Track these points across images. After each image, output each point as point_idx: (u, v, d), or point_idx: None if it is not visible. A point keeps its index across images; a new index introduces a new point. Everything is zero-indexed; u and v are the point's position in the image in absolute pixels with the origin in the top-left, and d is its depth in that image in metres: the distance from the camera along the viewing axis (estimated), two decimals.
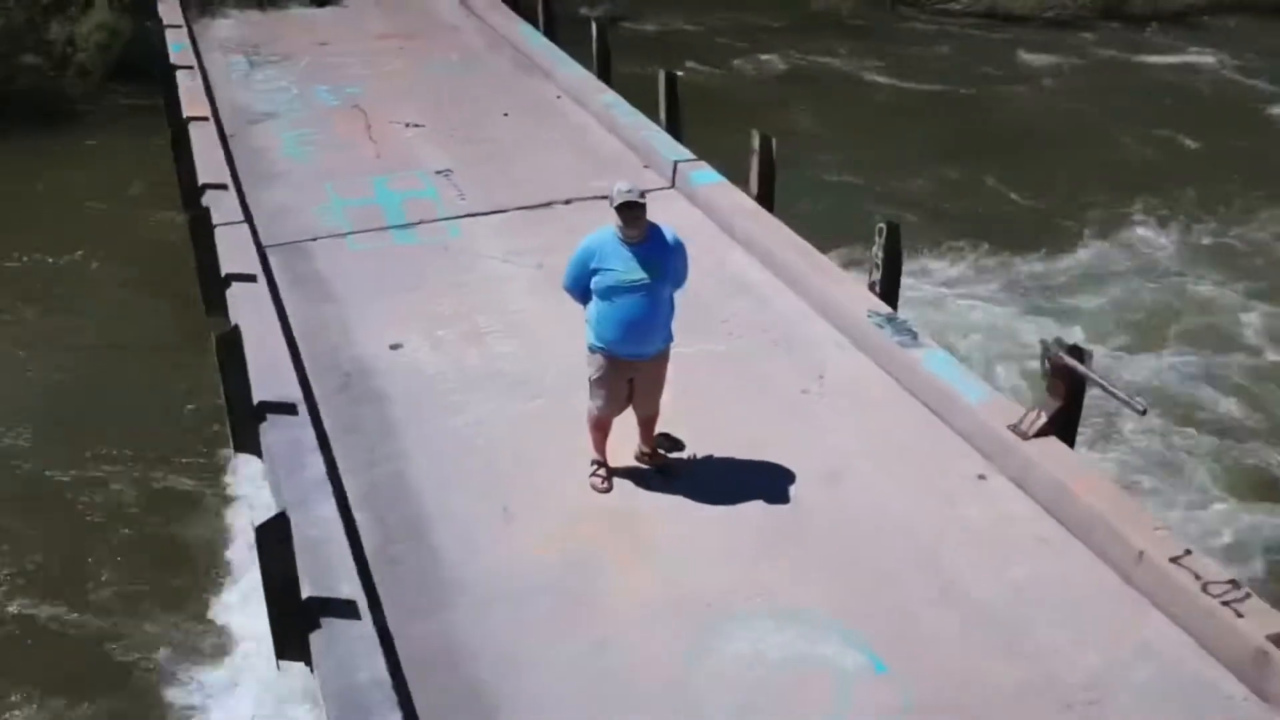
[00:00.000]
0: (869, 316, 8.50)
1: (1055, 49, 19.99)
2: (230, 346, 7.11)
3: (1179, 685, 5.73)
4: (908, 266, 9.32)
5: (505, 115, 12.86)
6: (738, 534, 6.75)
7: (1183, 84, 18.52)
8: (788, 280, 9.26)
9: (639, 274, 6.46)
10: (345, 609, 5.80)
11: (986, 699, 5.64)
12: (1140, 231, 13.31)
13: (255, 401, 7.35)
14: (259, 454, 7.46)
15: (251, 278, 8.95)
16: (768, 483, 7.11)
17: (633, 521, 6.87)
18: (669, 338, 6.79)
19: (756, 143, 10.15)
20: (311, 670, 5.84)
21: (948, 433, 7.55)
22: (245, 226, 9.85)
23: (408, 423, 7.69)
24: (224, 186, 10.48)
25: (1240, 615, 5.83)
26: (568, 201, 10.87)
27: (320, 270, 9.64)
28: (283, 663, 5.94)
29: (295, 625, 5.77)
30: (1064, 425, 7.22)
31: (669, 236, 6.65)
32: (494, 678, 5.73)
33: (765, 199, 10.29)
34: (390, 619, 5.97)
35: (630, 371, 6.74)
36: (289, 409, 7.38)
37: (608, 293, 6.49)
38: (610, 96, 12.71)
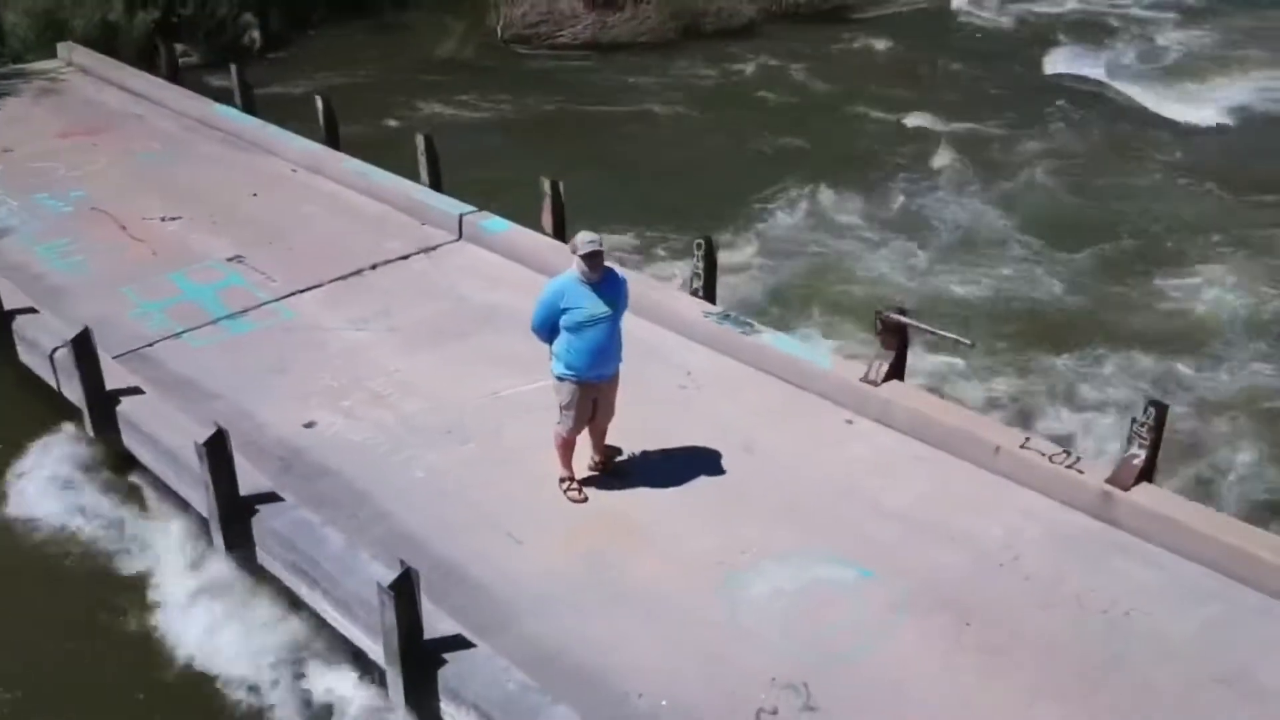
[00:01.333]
0: (706, 316, 10.17)
1: (655, 69, 22.56)
2: (218, 448, 7.51)
3: (1059, 530, 7.91)
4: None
5: (254, 195, 13.17)
6: (701, 506, 8.19)
7: (758, 85, 21.79)
8: (635, 308, 10.61)
9: (602, 309, 7.70)
10: (457, 641, 6.65)
11: (949, 577, 7.51)
12: (777, 209, 15.74)
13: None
14: (249, 548, 7.87)
15: (138, 390, 9.07)
16: (699, 462, 8.59)
17: (617, 518, 8.10)
18: (620, 359, 8.07)
19: (548, 187, 11.49)
20: (439, 706, 6.63)
21: (811, 396, 9.38)
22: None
23: (371, 485, 8.38)
24: (32, 309, 10.26)
25: (1081, 472, 8.12)
26: (373, 266, 11.60)
27: (180, 372, 9.80)
28: (410, 704, 6.66)
29: (421, 666, 6.55)
30: (897, 369, 9.29)
31: (619, 274, 7.93)
32: (594, 655, 6.82)
33: (559, 235, 11.63)
34: (489, 638, 6.85)
35: (594, 392, 7.96)
36: (273, 497, 7.88)
37: (577, 328, 7.67)
38: (355, 163, 13.40)
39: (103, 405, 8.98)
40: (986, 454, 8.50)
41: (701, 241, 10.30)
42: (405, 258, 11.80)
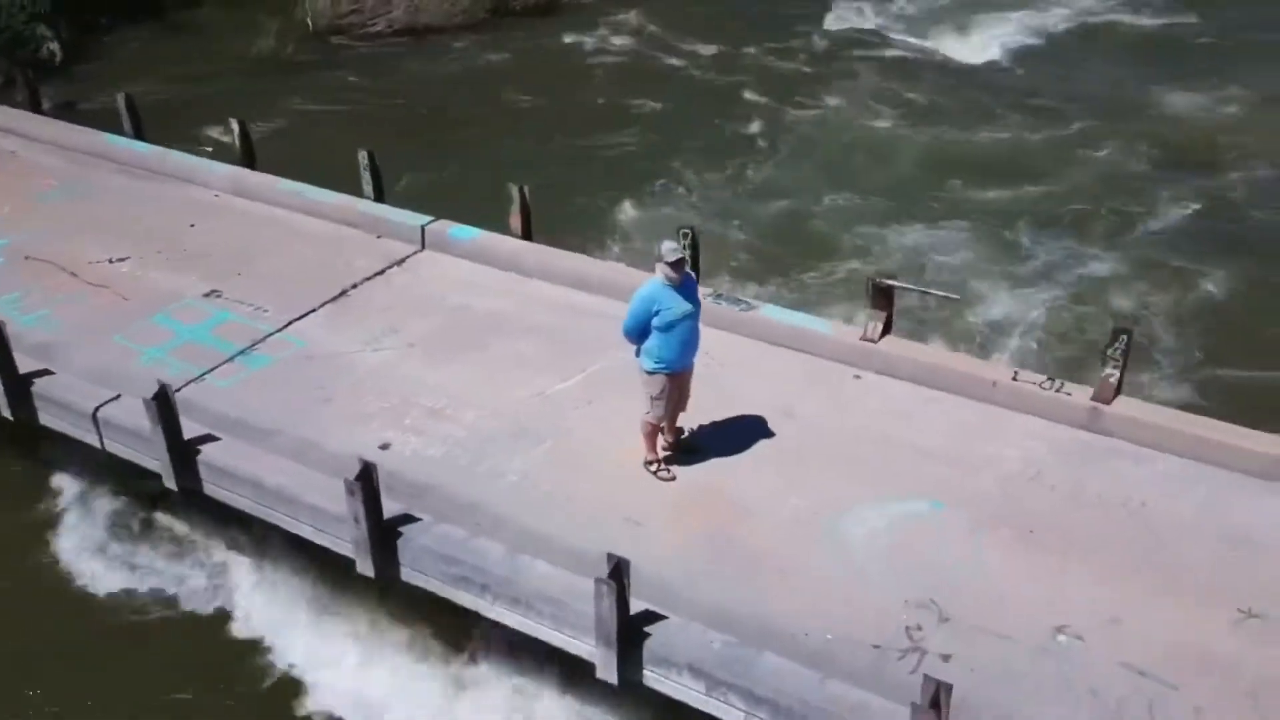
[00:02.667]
0: (704, 299, 11.24)
1: (472, 51, 23.12)
2: (367, 481, 8.08)
3: (1062, 445, 9.58)
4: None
5: (192, 226, 13.15)
6: (771, 469, 9.38)
7: (574, 58, 22.81)
8: (619, 294, 11.53)
9: (687, 307, 8.70)
10: (648, 617, 7.63)
11: (996, 496, 9.02)
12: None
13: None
14: (396, 570, 8.48)
15: (214, 437, 9.35)
16: (752, 430, 9.75)
17: (708, 491, 9.18)
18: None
19: (515, 192, 12.20)
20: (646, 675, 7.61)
21: (819, 359, 10.69)
22: (128, 399, 9.87)
23: (473, 495, 9.06)
24: (47, 372, 10.20)
25: (1069, 394, 9.84)
26: (355, 285, 12.00)
27: (223, 413, 10.02)
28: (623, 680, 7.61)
29: (628, 644, 7.49)
30: (888, 326, 10.74)
31: (692, 275, 8.92)
32: (752, 612, 7.90)
33: (528, 236, 12.39)
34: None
35: (679, 381, 8.99)
36: (408, 518, 8.51)
37: (668, 326, 8.64)
38: (292, 184, 13.55)
39: (184, 457, 9.19)
40: (985, 389, 10.09)
41: (688, 230, 11.34)
42: (381, 273, 12.24)
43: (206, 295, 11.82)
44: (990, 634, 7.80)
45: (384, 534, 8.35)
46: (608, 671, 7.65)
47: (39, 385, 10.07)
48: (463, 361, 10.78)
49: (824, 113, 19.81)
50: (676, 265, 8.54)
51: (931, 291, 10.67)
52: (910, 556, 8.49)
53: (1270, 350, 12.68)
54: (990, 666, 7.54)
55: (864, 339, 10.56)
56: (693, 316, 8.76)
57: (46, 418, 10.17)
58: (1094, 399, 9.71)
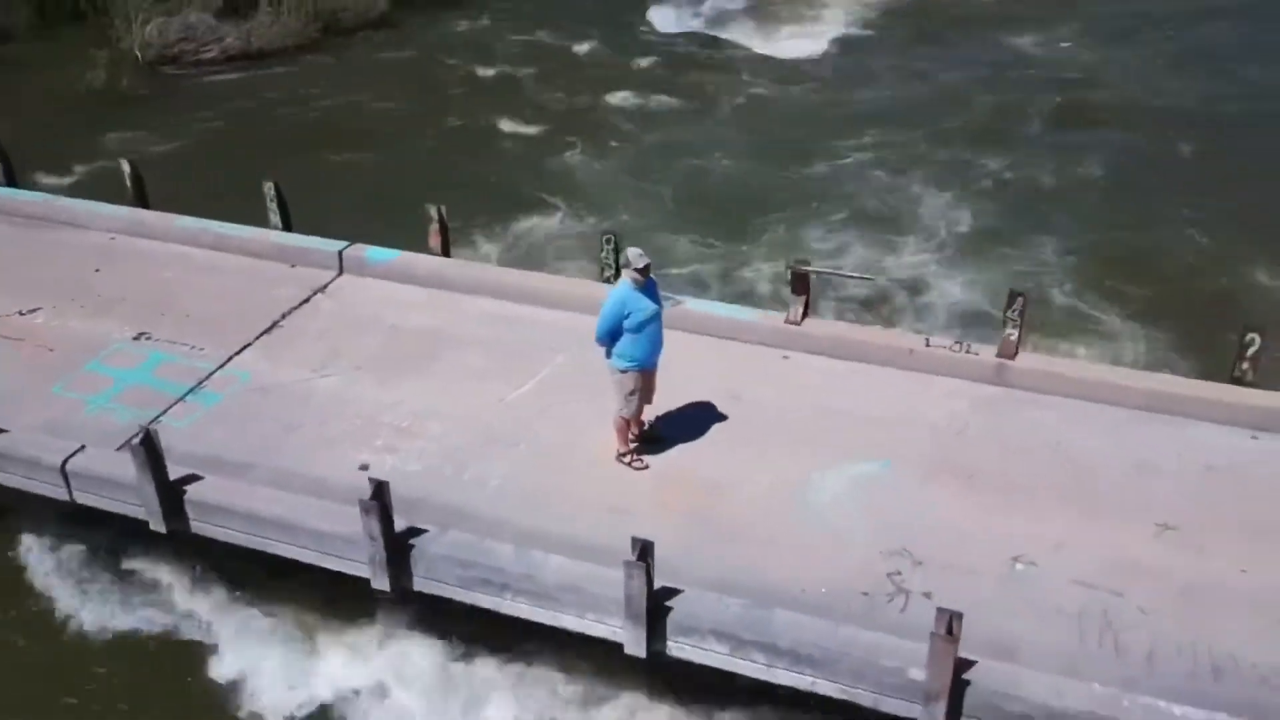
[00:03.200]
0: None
1: (309, 72, 23.17)
2: (382, 500, 8.49)
3: (979, 400, 10.75)
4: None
5: (98, 271, 13.00)
6: (734, 450, 10.19)
7: (409, 71, 23.21)
8: (549, 302, 12.15)
9: (653, 307, 9.42)
10: (667, 593, 8.33)
11: (934, 451, 10.10)
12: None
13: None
14: (409, 580, 8.90)
15: (197, 477, 9.51)
16: (706, 416, 10.55)
17: (681, 474, 9.92)
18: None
19: (434, 212, 12.60)
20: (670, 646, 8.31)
21: (748, 344, 11.56)
22: (94, 449, 9.88)
23: (464, 502, 9.53)
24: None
25: (977, 354, 11.03)
26: (285, 316, 12.18)
27: (190, 452, 10.04)
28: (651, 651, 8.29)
29: (654, 617, 8.19)
30: (808, 309, 11.72)
31: (653, 279, 9.62)
32: (752, 579, 8.67)
33: (447, 253, 12.82)
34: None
35: (648, 377, 9.70)
36: (418, 531, 8.94)
37: (638, 327, 9.34)
38: (195, 221, 13.51)
39: (172, 499, 9.31)
40: (904, 357, 11.18)
41: (610, 236, 12.04)
42: (307, 300, 12.45)
43: (136, 339, 11.79)
44: (959, 570, 8.84)
45: (397, 548, 8.74)
46: (636, 647, 8.30)
47: (2, 444, 9.90)
48: (414, 378, 11.17)
49: (683, 109, 20.78)
50: (645, 270, 9.24)
51: (847, 274, 11.69)
52: (875, 512, 9.45)
53: (1142, 299, 14.28)
54: (967, 598, 8.52)
55: (788, 322, 11.49)
56: (658, 316, 9.48)
57: (7, 477, 10.02)
58: (999, 356, 10.92)
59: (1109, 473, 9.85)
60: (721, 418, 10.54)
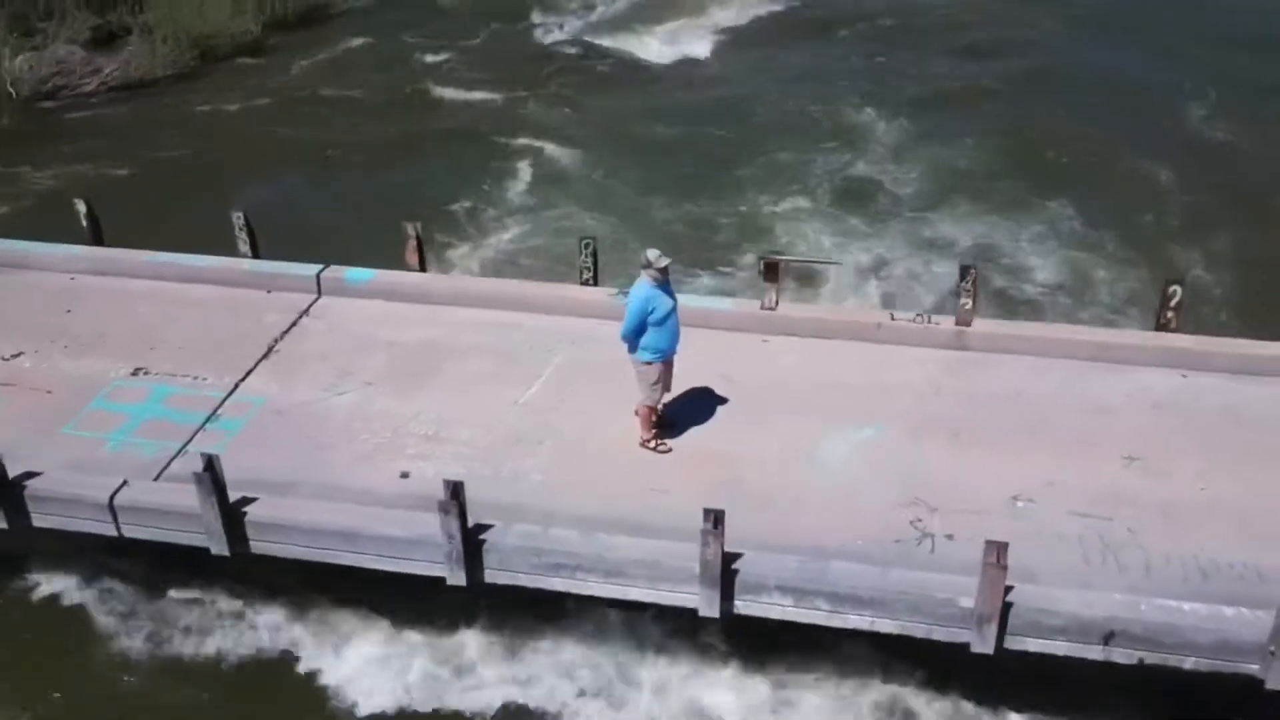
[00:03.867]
0: (611, 298, 12.75)
1: (194, 95, 23.01)
2: (458, 498, 9.09)
3: (946, 365, 11.94)
4: None
5: (69, 311, 12.99)
6: (739, 424, 11.10)
7: (293, 86, 23.38)
8: (532, 307, 12.80)
9: (672, 302, 10.26)
10: (730, 557, 9.20)
11: (918, 412, 11.21)
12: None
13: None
14: (481, 575, 9.51)
15: (252, 498, 9.86)
16: (708, 398, 11.41)
17: (701, 452, 10.77)
18: None
19: (411, 230, 13.09)
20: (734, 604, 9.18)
21: (728, 332, 12.48)
22: (137, 482, 10.10)
23: (513, 500, 10.15)
24: (30, 474, 10.17)
25: (937, 324, 12.25)
26: (279, 340, 12.48)
27: (229, 477, 10.33)
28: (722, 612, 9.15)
29: (725, 580, 9.05)
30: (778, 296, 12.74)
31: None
32: (788, 538, 9.60)
33: (424, 269, 13.33)
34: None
35: (668, 366, 10.53)
36: (485, 527, 9.56)
37: (661, 320, 10.16)
38: (162, 255, 13.56)
39: (233, 523, 9.65)
40: (872, 331, 12.31)
41: (589, 241, 12.79)
42: (295, 324, 12.77)
43: (134, 374, 11.92)
44: (970, 512, 9.98)
45: (471, 545, 9.33)
46: (711, 609, 9.14)
47: (34, 487, 10.01)
48: (427, 388, 11.68)
49: (577, 115, 21.53)
50: (665, 270, 10.07)
51: (814, 260, 12.75)
52: (882, 470, 10.52)
53: (1077, 265, 15.86)
54: (982, 534, 9.61)
55: (764, 308, 12.47)
56: (675, 309, 10.31)
57: (46, 519, 10.12)
58: (957, 324, 12.15)
59: (1071, 417, 11.17)
60: (721, 399, 11.43)
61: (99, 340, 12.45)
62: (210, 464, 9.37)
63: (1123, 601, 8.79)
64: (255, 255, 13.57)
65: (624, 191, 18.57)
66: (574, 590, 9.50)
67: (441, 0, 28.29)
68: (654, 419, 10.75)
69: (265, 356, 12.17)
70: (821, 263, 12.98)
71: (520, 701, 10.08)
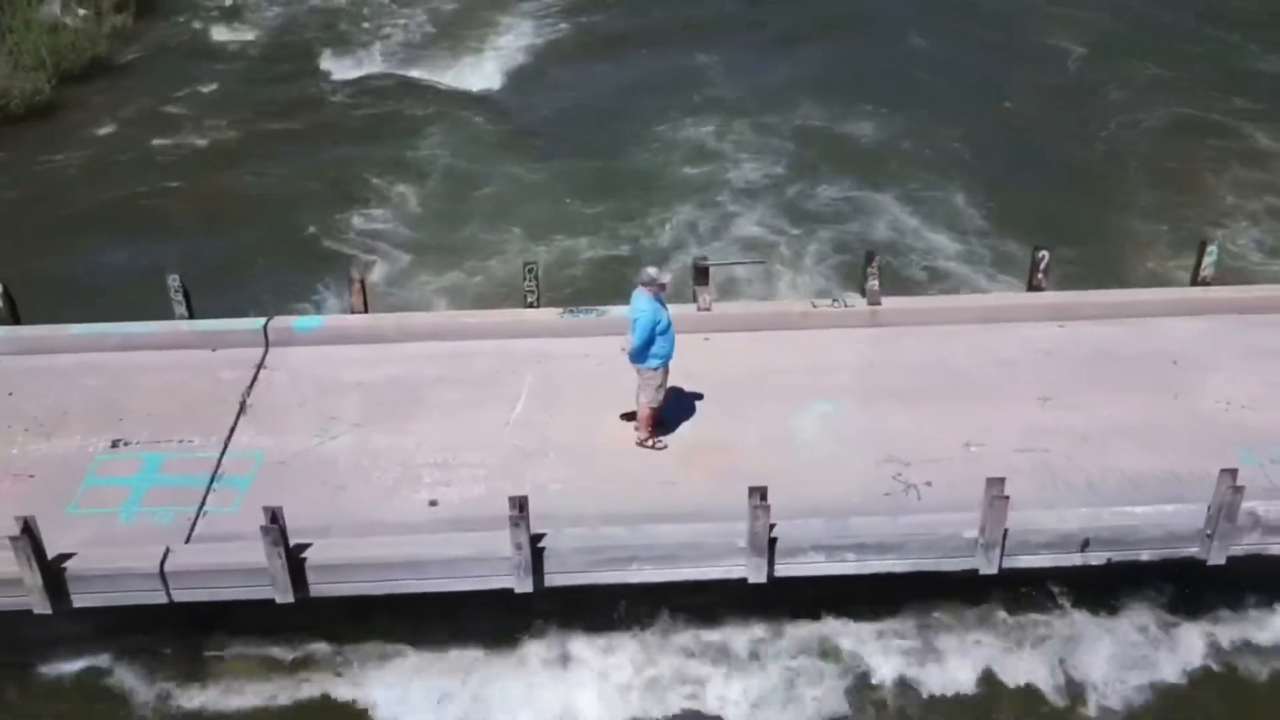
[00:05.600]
0: (561, 317, 13.71)
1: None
2: (524, 518, 9.91)
3: (868, 340, 13.54)
4: None
5: (10, 394, 12.72)
6: (713, 415, 12.35)
7: (98, 145, 22.59)
8: (485, 334, 13.54)
9: (668, 313, 11.41)
10: (772, 528, 10.46)
11: (862, 386, 12.78)
12: None
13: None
14: (543, 579, 10.33)
15: (307, 544, 10.30)
16: (677, 396, 12.57)
17: (693, 445, 11.94)
18: None
19: (356, 273, 13.58)
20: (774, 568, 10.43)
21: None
22: (181, 549, 10.32)
23: (543, 510, 10.86)
24: (65, 556, 10.19)
25: (852, 306, 13.89)
26: (246, 396, 12.70)
27: (253, 530, 10.58)
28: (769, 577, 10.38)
29: (769, 549, 10.29)
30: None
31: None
32: (796, 504, 10.94)
33: (367, 310, 13.82)
34: None
35: (668, 369, 11.65)
36: (540, 535, 10.39)
37: (665, 330, 11.29)
38: (93, 326, 13.36)
39: (295, 569, 10.07)
40: (799, 319, 13.81)
41: (533, 265, 13.67)
42: (255, 378, 13.00)
43: (114, 447, 11.91)
44: (936, 461, 11.63)
45: (537, 555, 10.15)
46: (759, 575, 10.34)
47: (75, 567, 10.04)
48: (417, 421, 12.28)
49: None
50: (664, 285, 11.22)
51: (740, 261, 14.11)
52: (851, 438, 12.03)
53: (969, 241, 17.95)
54: (953, 478, 11.35)
55: (701, 310, 13.74)
56: (672, 320, 11.45)
57: (89, 597, 10.15)
58: (869, 304, 13.83)
59: (984, 372, 13.04)
60: (693, 395, 12.61)
61: (61, 419, 12.29)
62: (275, 515, 9.75)
63: (1088, 514, 10.63)
64: (191, 314, 13.62)
65: (481, 221, 19.30)
66: (630, 580, 10.46)
67: (223, 45, 27.65)
68: (654, 419, 11.82)
69: (241, 412, 12.39)
70: (746, 263, 14.35)
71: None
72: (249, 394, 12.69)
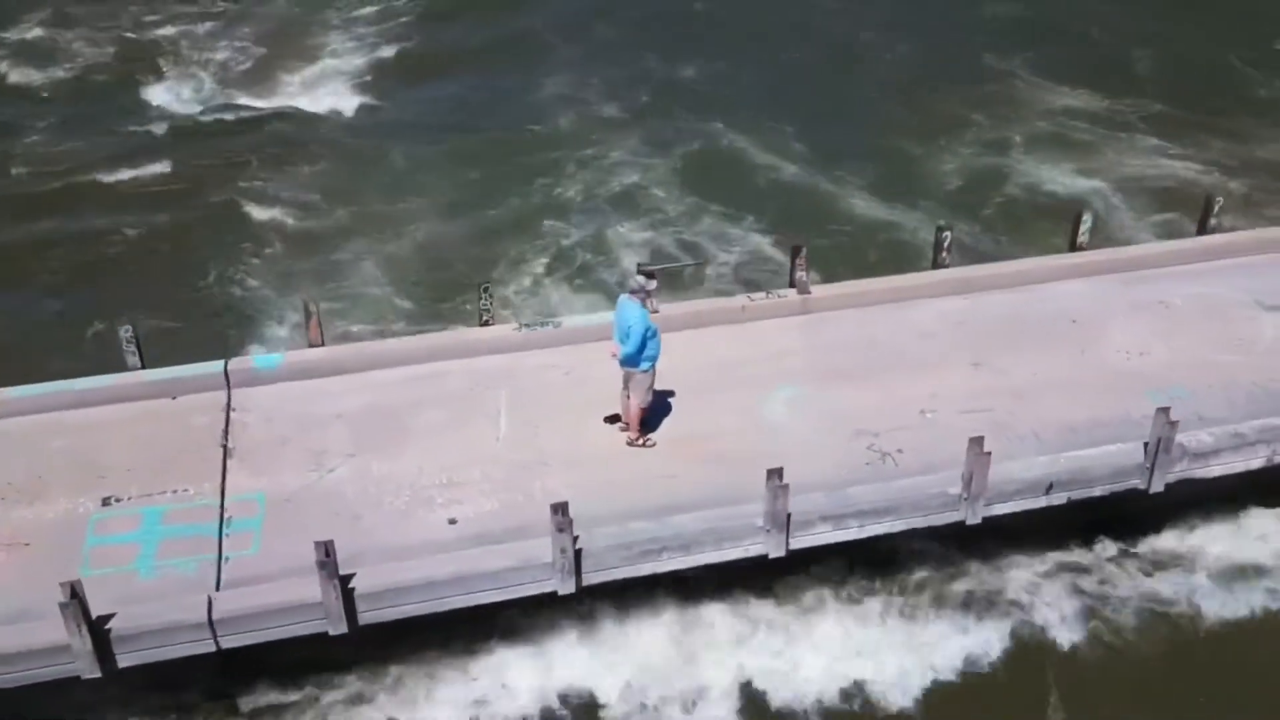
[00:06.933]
0: (517, 331, 14.21)
1: None
2: (569, 526, 10.49)
3: (803, 327, 14.67)
4: None
5: None
6: (686, 411, 13.16)
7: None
8: (447, 355, 13.88)
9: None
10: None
11: (815, 367, 13.89)
12: None
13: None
14: (581, 578, 10.92)
15: (351, 574, 10.55)
16: (655, 398, 13.34)
17: (679, 439, 12.70)
18: None
19: (313, 308, 13.69)
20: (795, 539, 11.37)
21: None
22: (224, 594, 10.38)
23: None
24: (107, 616, 10.11)
25: (784, 296, 14.97)
26: (226, 438, 12.69)
27: (285, 567, 10.83)
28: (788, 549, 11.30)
29: (788, 526, 11.22)
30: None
31: None
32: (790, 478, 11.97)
33: (323, 344, 13.95)
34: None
35: (655, 370, 12.39)
36: (574, 537, 10.98)
37: (654, 334, 12.02)
38: (37, 386, 12.97)
39: (347, 601, 10.31)
40: (739, 314, 14.76)
41: (487, 285, 14.11)
42: (227, 422, 12.97)
43: (106, 505, 11.73)
44: (901, 429, 12.82)
45: (577, 558, 10.72)
46: (779, 549, 11.22)
47: (120, 627, 9.97)
48: (408, 447, 12.58)
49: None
50: (650, 293, 11.94)
51: (681, 265, 14.93)
52: (820, 415, 13.08)
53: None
54: (919, 443, 12.56)
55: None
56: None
57: (135, 655, 10.08)
58: (799, 294, 14.93)
59: (914, 344, 14.34)
60: (664, 393, 13.30)
61: (38, 483, 11.98)
62: (328, 549, 9.97)
63: (1047, 461, 12.02)
64: (145, 365, 13.42)
65: (362, 243, 19.47)
66: (657, 570, 11.16)
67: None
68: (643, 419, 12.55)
69: (228, 457, 12.37)
70: (688, 265, 15.16)
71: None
72: (227, 437, 12.65)
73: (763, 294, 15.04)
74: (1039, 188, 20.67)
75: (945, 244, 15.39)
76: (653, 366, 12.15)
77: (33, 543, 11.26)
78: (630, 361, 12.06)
